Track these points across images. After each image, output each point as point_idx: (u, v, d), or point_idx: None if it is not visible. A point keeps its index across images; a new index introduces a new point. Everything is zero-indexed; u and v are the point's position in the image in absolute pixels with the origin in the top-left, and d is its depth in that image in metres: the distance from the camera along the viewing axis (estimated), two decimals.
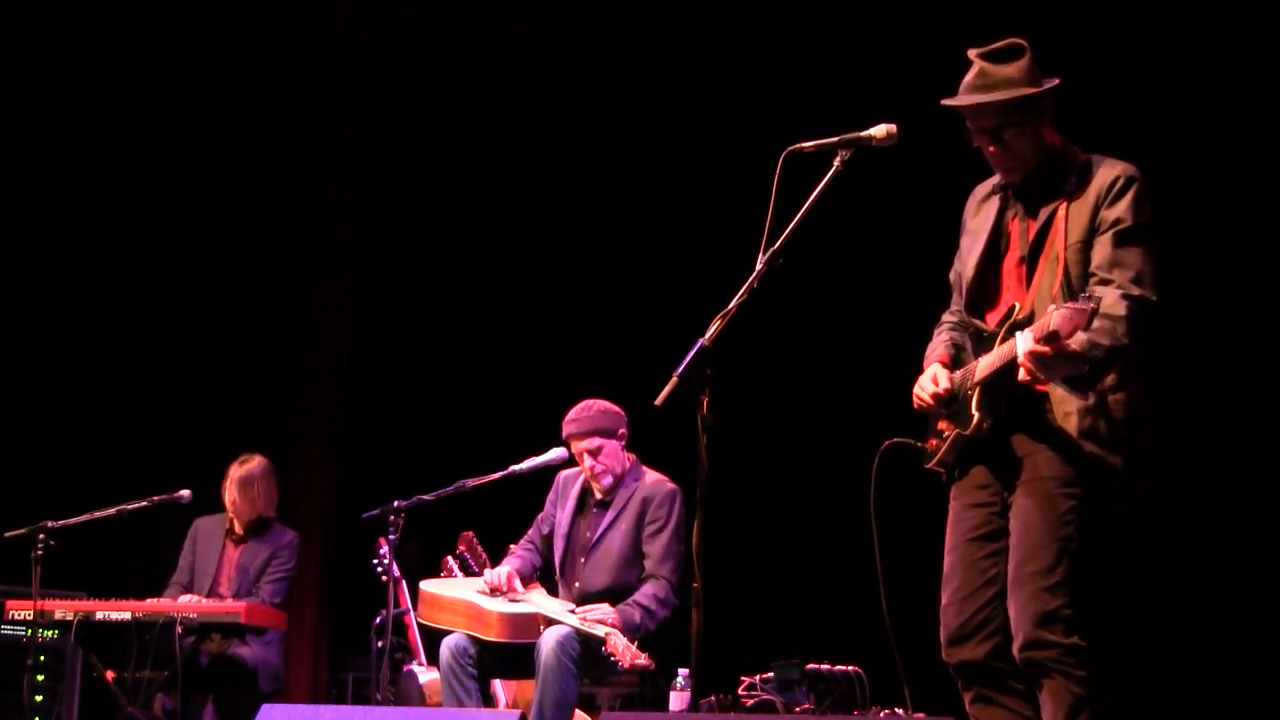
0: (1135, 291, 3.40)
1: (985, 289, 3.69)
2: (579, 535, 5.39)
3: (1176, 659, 6.05)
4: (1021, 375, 3.36)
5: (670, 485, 5.35)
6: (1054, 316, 3.25)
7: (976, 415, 3.55)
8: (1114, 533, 3.53)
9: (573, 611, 5.07)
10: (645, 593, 5.14)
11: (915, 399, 3.69)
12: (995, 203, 3.72)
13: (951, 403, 3.63)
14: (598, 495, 5.40)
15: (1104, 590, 3.56)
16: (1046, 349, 3.28)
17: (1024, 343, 3.33)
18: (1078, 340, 3.30)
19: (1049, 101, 3.58)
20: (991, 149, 3.61)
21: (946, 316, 3.89)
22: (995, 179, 3.73)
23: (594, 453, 5.31)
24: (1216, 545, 6.12)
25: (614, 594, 5.17)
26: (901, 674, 3.81)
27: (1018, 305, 3.57)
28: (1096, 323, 3.31)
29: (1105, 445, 3.44)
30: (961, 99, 3.60)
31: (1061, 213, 3.54)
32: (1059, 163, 3.61)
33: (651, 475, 5.39)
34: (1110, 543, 3.54)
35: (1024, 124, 3.56)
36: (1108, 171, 3.54)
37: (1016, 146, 3.58)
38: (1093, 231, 3.49)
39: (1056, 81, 3.56)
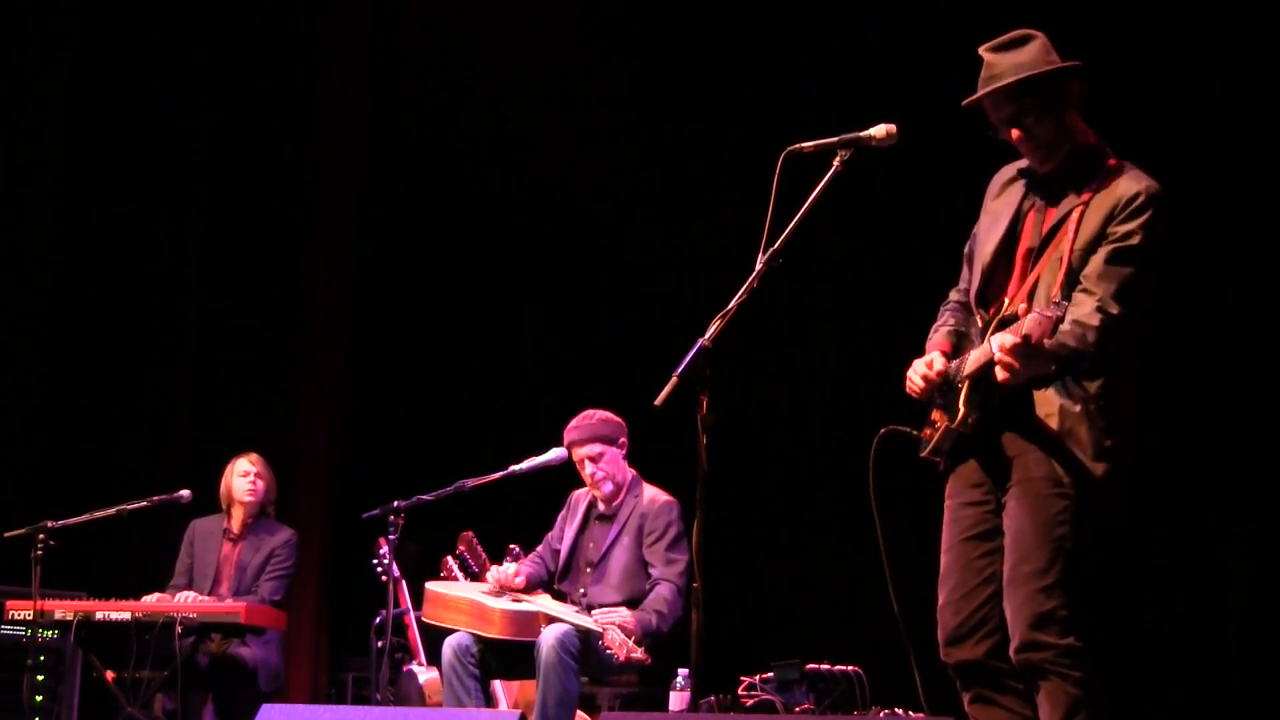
0: (1112, 309, 3.39)
1: (995, 277, 3.68)
2: (583, 548, 5.47)
3: (1175, 659, 6.05)
4: (1000, 375, 3.37)
5: (666, 497, 5.42)
6: (1027, 321, 3.27)
7: (963, 410, 3.54)
8: (1102, 537, 3.52)
9: (587, 613, 5.13)
10: (657, 595, 5.22)
11: (907, 382, 3.68)
12: (1019, 188, 3.70)
13: (947, 391, 3.62)
14: (601, 508, 5.47)
15: (1100, 590, 3.55)
16: (1019, 344, 3.28)
17: (998, 342, 3.34)
18: (1048, 340, 3.32)
19: (1071, 86, 3.55)
20: (1016, 136, 3.59)
21: (953, 295, 3.88)
22: (1021, 163, 3.71)
23: (595, 459, 5.37)
24: (1215, 544, 6.12)
25: (625, 607, 5.22)
26: (912, 664, 3.79)
27: (1007, 301, 3.57)
28: (1067, 325, 3.35)
29: (1086, 452, 3.44)
30: (976, 95, 3.59)
31: (1076, 214, 3.52)
32: (1089, 161, 3.58)
33: (650, 490, 5.48)
34: (1101, 545, 3.53)
35: (1043, 108, 3.53)
36: (1131, 184, 3.50)
37: (1039, 132, 3.55)
38: (1100, 239, 3.47)
39: (1075, 63, 3.53)
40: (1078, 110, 3.59)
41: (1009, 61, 3.54)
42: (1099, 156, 3.60)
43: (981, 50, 3.61)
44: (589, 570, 5.41)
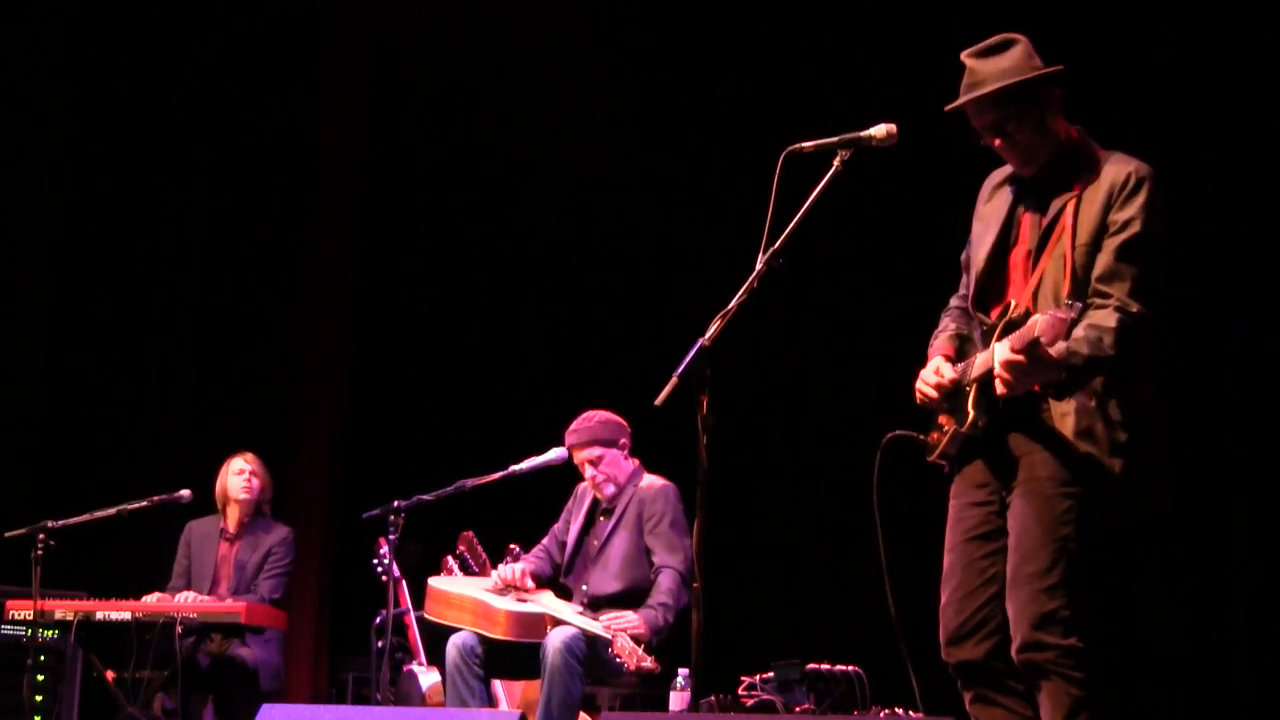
0: (1133, 308, 3.38)
1: (993, 281, 3.67)
2: (586, 544, 5.47)
3: (1176, 660, 6.05)
4: (999, 389, 3.36)
5: (662, 482, 5.41)
6: (1039, 323, 3.25)
7: (972, 413, 3.54)
8: (1114, 535, 3.52)
9: (591, 610, 5.11)
10: (660, 588, 5.19)
11: (918, 393, 3.68)
12: (1008, 192, 3.69)
13: (954, 396, 3.62)
14: (604, 503, 5.46)
15: (1105, 591, 3.55)
16: (1021, 357, 3.29)
17: (1000, 352, 3.34)
18: (1056, 347, 3.31)
19: (1052, 91, 3.54)
20: (997, 144, 3.59)
21: (954, 301, 3.87)
22: (1009, 168, 3.71)
23: (594, 462, 5.37)
24: (1217, 545, 6.11)
25: (627, 597, 5.22)
26: (909, 668, 3.79)
27: (1014, 303, 3.56)
28: (1080, 331, 3.33)
29: (1102, 448, 3.42)
30: (958, 101, 3.59)
31: (1070, 209, 3.51)
32: (1074, 156, 3.58)
33: (648, 478, 5.46)
34: (1110, 544, 3.52)
35: (1024, 115, 3.52)
36: (1120, 169, 3.50)
37: (1021, 139, 3.55)
38: (1102, 231, 3.46)
39: (1057, 68, 3.52)
40: (1059, 113, 3.58)
41: (991, 68, 3.53)
42: (1084, 149, 3.59)
43: (964, 56, 3.60)
44: (590, 565, 5.40)
